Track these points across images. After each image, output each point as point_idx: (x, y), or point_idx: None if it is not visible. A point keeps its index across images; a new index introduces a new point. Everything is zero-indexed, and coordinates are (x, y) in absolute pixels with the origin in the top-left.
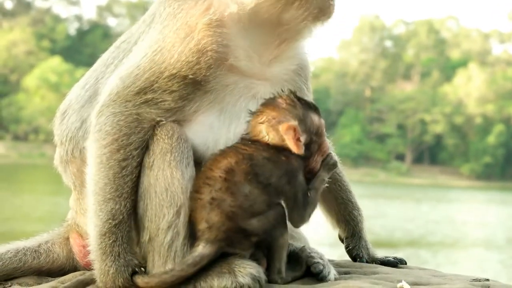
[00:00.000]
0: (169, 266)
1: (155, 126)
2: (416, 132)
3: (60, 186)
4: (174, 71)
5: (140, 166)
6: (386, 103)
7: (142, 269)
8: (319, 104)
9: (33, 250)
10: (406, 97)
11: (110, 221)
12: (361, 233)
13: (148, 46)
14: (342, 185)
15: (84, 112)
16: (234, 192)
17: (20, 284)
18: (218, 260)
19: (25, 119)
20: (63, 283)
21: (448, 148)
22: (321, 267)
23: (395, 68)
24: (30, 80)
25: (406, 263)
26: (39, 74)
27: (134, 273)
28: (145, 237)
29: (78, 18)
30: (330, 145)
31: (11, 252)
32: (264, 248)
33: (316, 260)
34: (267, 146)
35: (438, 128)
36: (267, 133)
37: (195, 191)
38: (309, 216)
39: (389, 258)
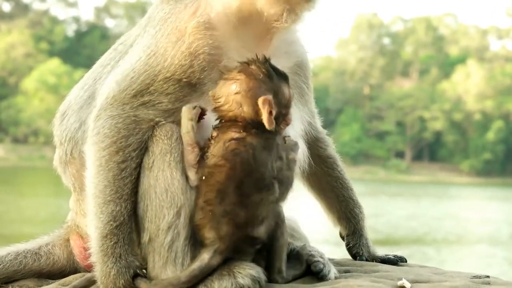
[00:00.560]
0: (170, 267)
1: (154, 126)
2: (415, 129)
3: (60, 188)
4: (168, 75)
5: (139, 167)
6: (385, 101)
7: (144, 271)
8: (318, 103)
9: (34, 253)
10: (404, 95)
11: (111, 223)
12: (362, 231)
13: (142, 49)
14: (343, 182)
15: (83, 113)
16: (246, 204)
17: (20, 287)
18: None
19: (24, 121)
20: (63, 285)
21: (447, 145)
22: (322, 266)
23: (394, 65)
24: (29, 82)
25: (406, 261)
26: (38, 76)
27: (135, 275)
28: (145, 238)
29: (76, 19)
30: (292, 116)
31: (11, 255)
32: (264, 250)
33: (316, 259)
34: (247, 127)
35: (437, 125)
36: (241, 105)
37: (204, 201)
38: (287, 196)
39: (389, 256)
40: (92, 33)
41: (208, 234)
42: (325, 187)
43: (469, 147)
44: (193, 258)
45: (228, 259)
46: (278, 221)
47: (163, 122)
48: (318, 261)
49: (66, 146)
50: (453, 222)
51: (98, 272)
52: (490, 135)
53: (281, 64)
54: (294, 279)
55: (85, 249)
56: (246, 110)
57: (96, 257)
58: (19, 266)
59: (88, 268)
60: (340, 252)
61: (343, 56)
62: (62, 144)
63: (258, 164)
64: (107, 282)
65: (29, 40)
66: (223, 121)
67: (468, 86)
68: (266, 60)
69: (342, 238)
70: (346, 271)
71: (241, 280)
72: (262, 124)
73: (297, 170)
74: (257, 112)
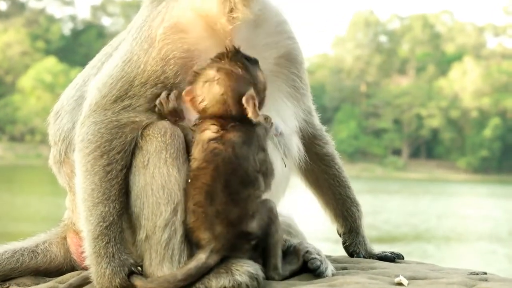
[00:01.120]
0: (166, 264)
1: (142, 127)
2: (412, 127)
3: (56, 186)
4: (143, 80)
5: (125, 169)
6: (382, 98)
7: (139, 268)
8: (315, 101)
9: (31, 250)
10: (401, 92)
11: (101, 223)
12: (358, 229)
13: (120, 56)
14: (340, 181)
15: (75, 114)
16: (237, 201)
17: (17, 285)
18: None
19: (21, 120)
20: (61, 283)
21: (444, 142)
22: (319, 263)
23: (390, 63)
24: (26, 81)
25: (403, 258)
26: (34, 75)
27: (131, 272)
28: (142, 235)
29: (72, 18)
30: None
31: (8, 253)
32: (260, 247)
33: (313, 256)
34: (228, 122)
35: (434, 122)
36: (226, 104)
37: (194, 204)
38: (271, 185)
39: (386, 253)
40: (89, 31)
41: (203, 235)
42: (322, 185)
43: (466, 144)
44: (190, 255)
45: (225, 258)
46: (271, 216)
47: (152, 122)
48: (315, 258)
49: (60, 146)
50: (452, 219)
51: (93, 274)
52: (487, 132)
53: (259, 55)
54: (292, 275)
55: (82, 247)
56: (232, 108)
57: (90, 259)
58: (16, 264)
59: (85, 267)
60: (341, 250)
61: (340, 54)
62: (56, 143)
63: (240, 160)
64: (103, 282)
65: (25, 39)
66: (200, 119)
67: (465, 83)
68: (237, 51)
69: (340, 235)
70: (343, 268)
71: (238, 277)
72: (245, 117)
73: (293, 167)
74: (242, 107)
